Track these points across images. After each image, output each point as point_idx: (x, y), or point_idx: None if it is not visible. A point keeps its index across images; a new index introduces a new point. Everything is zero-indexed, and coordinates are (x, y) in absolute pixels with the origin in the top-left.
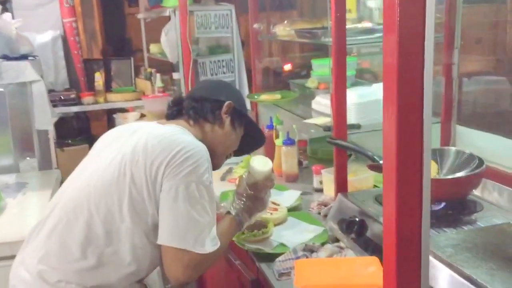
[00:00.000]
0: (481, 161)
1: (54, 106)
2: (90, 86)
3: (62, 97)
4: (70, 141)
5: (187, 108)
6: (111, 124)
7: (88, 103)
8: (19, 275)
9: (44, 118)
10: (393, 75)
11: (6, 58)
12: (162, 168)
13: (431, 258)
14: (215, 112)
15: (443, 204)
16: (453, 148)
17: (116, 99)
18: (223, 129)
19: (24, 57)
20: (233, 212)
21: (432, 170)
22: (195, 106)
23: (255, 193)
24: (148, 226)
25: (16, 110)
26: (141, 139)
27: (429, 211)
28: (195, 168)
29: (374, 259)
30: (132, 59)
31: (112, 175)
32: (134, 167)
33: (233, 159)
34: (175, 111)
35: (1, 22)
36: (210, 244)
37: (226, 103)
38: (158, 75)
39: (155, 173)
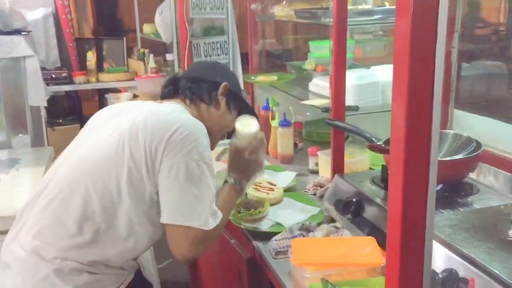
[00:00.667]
0: (478, 144)
1: (45, 84)
2: (82, 66)
3: (54, 76)
4: (61, 120)
5: (183, 87)
6: (102, 104)
7: (80, 83)
8: (12, 251)
9: (38, 94)
10: (405, 58)
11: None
12: (162, 146)
13: None
14: (211, 93)
15: (440, 186)
16: (451, 131)
17: (108, 79)
18: (218, 110)
19: (17, 32)
20: (230, 180)
21: None
22: (192, 86)
23: (246, 156)
24: (146, 203)
25: (9, 85)
26: (139, 116)
27: (434, 195)
28: (195, 146)
29: (371, 239)
30: (124, 39)
31: (110, 151)
32: (133, 143)
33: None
34: (171, 90)
35: None
36: (212, 219)
37: (223, 84)
38: (151, 55)
39: (154, 151)
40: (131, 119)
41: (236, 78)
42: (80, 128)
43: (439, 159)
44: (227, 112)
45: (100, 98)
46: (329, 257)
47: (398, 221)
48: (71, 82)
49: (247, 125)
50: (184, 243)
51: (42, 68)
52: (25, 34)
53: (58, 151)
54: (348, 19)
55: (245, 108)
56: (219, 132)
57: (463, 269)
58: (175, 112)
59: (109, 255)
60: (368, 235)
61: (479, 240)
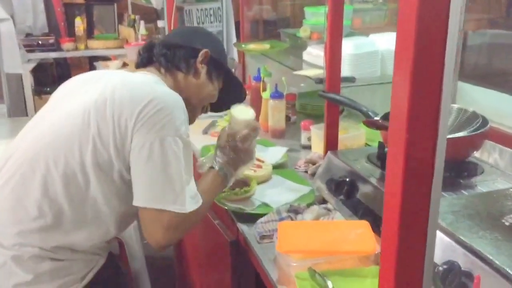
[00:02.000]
0: (485, 120)
1: (31, 51)
2: (71, 32)
3: (40, 42)
4: (48, 89)
5: (157, 55)
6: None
7: (68, 50)
8: None
9: (13, 61)
10: (411, 20)
11: None
12: (132, 121)
13: None
14: (189, 60)
15: None
16: (455, 106)
17: (97, 46)
18: (197, 79)
19: None
20: (216, 167)
21: None
22: (167, 53)
23: (238, 144)
24: (114, 183)
25: None
26: (107, 88)
27: (441, 181)
28: (170, 120)
29: (364, 223)
30: (115, 5)
31: (74, 125)
32: (100, 118)
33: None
34: (145, 59)
35: None
36: (190, 203)
37: (202, 51)
38: (142, 22)
39: (124, 126)
40: (99, 90)
41: (220, 46)
42: None
43: None
44: (208, 82)
45: (91, 66)
46: (317, 243)
47: (397, 210)
48: (58, 49)
49: (242, 112)
50: (158, 229)
51: (29, 34)
52: None
53: None
54: None
55: (230, 79)
56: (199, 104)
57: (466, 261)
58: (148, 82)
59: (75, 239)
60: (362, 218)
61: (484, 230)
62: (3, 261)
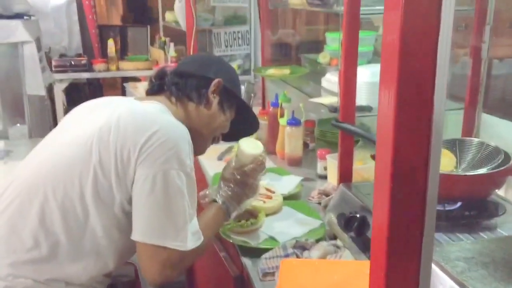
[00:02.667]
0: (507, 157)
1: (64, 71)
2: (104, 53)
3: (73, 63)
4: None
5: (169, 83)
6: (124, 93)
7: (100, 70)
8: None
9: (35, 82)
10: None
11: None
12: (136, 152)
13: (438, 271)
14: (201, 90)
15: (459, 204)
16: (476, 139)
17: (128, 68)
18: (209, 110)
19: (18, 16)
20: (219, 200)
21: (448, 164)
22: (178, 82)
23: (242, 178)
24: (115, 215)
25: (7, 72)
26: (113, 115)
27: (434, 219)
28: (175, 153)
29: None
30: (148, 27)
31: (76, 153)
32: (102, 146)
33: None
34: (156, 86)
35: None
36: (192, 239)
37: (215, 81)
38: (171, 44)
39: (127, 157)
40: (105, 117)
41: (234, 74)
42: None
43: (459, 173)
44: (220, 113)
45: (123, 87)
46: (321, 285)
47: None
48: (90, 69)
49: (251, 145)
50: (155, 265)
51: (63, 55)
52: (26, 19)
53: None
54: (362, 8)
55: (243, 109)
56: (210, 134)
57: None
58: (154, 112)
59: (70, 272)
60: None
61: (499, 281)
62: None
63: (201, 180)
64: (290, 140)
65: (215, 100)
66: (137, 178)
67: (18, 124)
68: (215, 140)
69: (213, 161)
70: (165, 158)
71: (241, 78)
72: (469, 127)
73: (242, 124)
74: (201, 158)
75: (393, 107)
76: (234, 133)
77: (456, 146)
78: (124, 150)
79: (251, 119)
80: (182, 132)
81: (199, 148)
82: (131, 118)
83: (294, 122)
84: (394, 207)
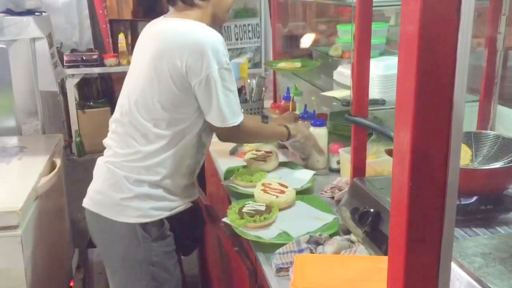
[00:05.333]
0: None
1: (75, 66)
2: (115, 48)
3: (84, 58)
4: (91, 103)
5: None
6: None
7: (111, 65)
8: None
9: (47, 78)
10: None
11: (10, 13)
12: (184, 70)
13: (455, 267)
14: None
15: (474, 198)
16: (491, 132)
17: None
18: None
19: (30, 12)
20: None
21: (464, 157)
22: None
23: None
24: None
25: (20, 69)
26: (157, 40)
27: (454, 212)
28: (212, 58)
29: (386, 259)
30: None
31: (145, 79)
32: (159, 70)
33: None
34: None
35: None
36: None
37: None
38: None
39: (179, 74)
40: (155, 44)
41: None
42: (111, 112)
43: (475, 167)
44: None
45: None
46: (336, 281)
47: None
48: (102, 64)
49: None
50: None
51: (74, 50)
52: (37, 15)
53: (88, 134)
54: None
55: None
56: (226, 13)
57: None
58: (187, 27)
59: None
60: (386, 253)
61: None
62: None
63: (213, 175)
64: None
65: None
66: (193, 85)
67: (31, 120)
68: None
69: (225, 157)
70: (206, 65)
71: (251, 71)
72: (485, 120)
73: None
74: (214, 153)
75: (413, 99)
76: None
77: (471, 139)
78: (176, 69)
79: None
80: (212, 36)
81: (221, 26)
82: (172, 39)
83: (305, 116)
84: (412, 202)
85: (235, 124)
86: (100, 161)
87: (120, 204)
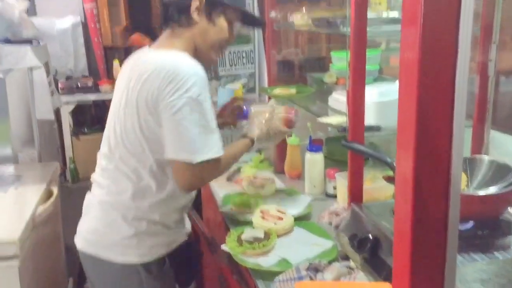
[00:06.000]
0: None
1: (70, 93)
2: (110, 74)
3: (79, 85)
4: (86, 129)
5: (161, 18)
6: None
7: (106, 91)
8: (88, 198)
9: (45, 106)
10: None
11: (8, 42)
12: (158, 101)
13: None
14: (183, 14)
15: (471, 224)
16: (486, 157)
17: None
18: (199, 28)
19: (27, 41)
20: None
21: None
22: (163, 13)
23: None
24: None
25: (17, 98)
26: (134, 72)
27: (456, 242)
28: (181, 87)
29: (387, 286)
30: None
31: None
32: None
33: (243, 158)
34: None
35: (3, 4)
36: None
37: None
38: None
39: (154, 105)
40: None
41: None
42: None
43: (470, 192)
44: (209, 25)
45: None
46: None
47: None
48: (96, 90)
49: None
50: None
51: (69, 77)
52: (35, 45)
53: (82, 160)
54: (369, 29)
55: (235, 11)
56: (210, 49)
57: None
58: (162, 57)
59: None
60: (385, 280)
61: None
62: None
63: (210, 201)
64: (311, 167)
65: (202, 17)
66: (162, 115)
67: (28, 149)
68: (221, 51)
69: (223, 182)
70: (178, 93)
71: (246, 96)
72: (478, 145)
73: (245, 22)
74: None
75: (414, 127)
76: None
77: (466, 165)
78: (150, 100)
79: (249, 17)
80: (190, 67)
81: (207, 61)
82: (148, 73)
83: (315, 148)
84: (416, 231)
85: (193, 162)
86: (92, 199)
87: (119, 244)
